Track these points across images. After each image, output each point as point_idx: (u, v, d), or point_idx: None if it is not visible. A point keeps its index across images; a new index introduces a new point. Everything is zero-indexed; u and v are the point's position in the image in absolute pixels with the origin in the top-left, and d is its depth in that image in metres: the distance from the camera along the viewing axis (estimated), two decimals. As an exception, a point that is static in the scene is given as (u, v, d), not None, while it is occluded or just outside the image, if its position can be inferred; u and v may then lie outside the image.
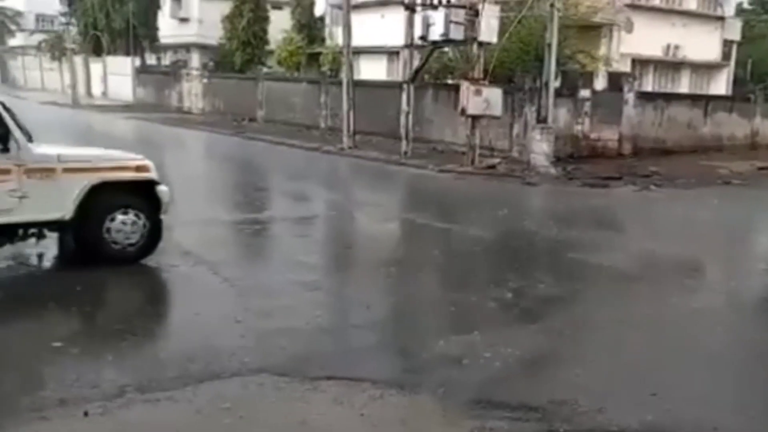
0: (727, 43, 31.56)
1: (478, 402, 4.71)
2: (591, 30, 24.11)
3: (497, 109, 17.64)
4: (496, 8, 17.56)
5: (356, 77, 22.86)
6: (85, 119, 30.98)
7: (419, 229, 10.95)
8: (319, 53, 31.56)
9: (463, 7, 17.64)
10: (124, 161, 7.88)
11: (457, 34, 17.33)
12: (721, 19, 31.25)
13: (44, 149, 7.42)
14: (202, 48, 40.91)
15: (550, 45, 17.54)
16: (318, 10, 34.99)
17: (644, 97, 22.19)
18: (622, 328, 6.40)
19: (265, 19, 34.17)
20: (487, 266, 9.01)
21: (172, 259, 7.91)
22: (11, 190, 6.90)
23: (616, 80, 21.56)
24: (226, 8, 34.95)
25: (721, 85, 31.39)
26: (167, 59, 44.06)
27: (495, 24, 17.30)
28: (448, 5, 17.81)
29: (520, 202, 14.56)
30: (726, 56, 31.75)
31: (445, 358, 5.46)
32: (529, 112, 18.82)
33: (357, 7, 31.20)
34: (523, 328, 6.29)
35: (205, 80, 32.52)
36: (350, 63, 21.73)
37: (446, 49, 19.72)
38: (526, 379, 5.24)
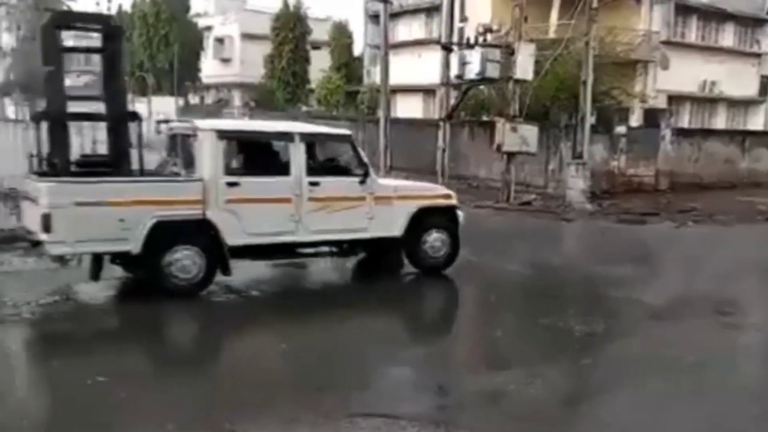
0: (764, 79, 31.38)
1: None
2: (627, 67, 24.29)
3: (533, 146, 17.83)
4: (532, 46, 17.87)
5: (393, 115, 23.28)
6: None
7: (455, 264, 11.08)
8: (357, 92, 32.19)
9: (499, 46, 18.00)
10: (437, 190, 10.13)
11: (493, 72, 17.65)
12: (758, 55, 31.15)
13: (383, 181, 9.58)
14: (243, 87, 42.01)
15: (585, 82, 17.75)
16: (356, 50, 35.82)
17: (681, 133, 22.21)
18: (660, 366, 6.34)
19: (306, 59, 35.02)
20: (524, 302, 9.07)
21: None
22: (365, 213, 8.82)
23: (652, 116, 21.65)
24: (267, 48, 35.96)
25: (758, 120, 31.16)
26: (210, 98, 45.28)
27: (530, 62, 17.60)
28: (484, 44, 18.17)
29: (556, 237, 14.62)
30: (763, 92, 31.56)
31: (482, 395, 5.51)
32: (565, 148, 18.98)
33: (395, 47, 31.81)
34: (559, 365, 6.30)
35: (246, 119, 33.29)
36: (387, 101, 22.14)
37: (482, 87, 20.01)
38: (562, 417, 5.25)
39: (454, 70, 18.84)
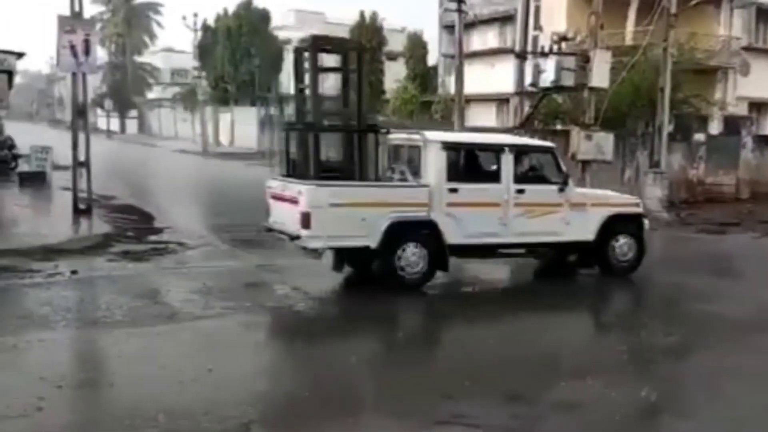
0: None
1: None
2: (706, 73, 23.76)
3: (608, 154, 17.67)
4: (608, 54, 17.73)
5: (466, 123, 23.45)
6: (211, 165, 33.28)
7: (529, 271, 11.05)
8: (431, 102, 32.47)
9: (574, 54, 17.95)
10: (627, 199, 10.84)
11: (568, 80, 17.60)
12: None
13: (578, 189, 10.29)
14: (321, 98, 42.90)
15: (663, 89, 17.54)
16: (431, 60, 36.11)
17: (763, 140, 21.55)
18: (741, 380, 6.26)
19: (381, 70, 35.51)
20: (603, 312, 9.14)
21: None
22: (562, 218, 9.68)
23: (732, 124, 21.09)
24: (344, 60, 36.57)
25: None
26: (290, 108, 46.44)
27: (606, 69, 17.49)
28: (559, 53, 18.16)
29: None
30: None
31: (559, 405, 5.56)
32: (641, 156, 18.76)
33: (469, 56, 31.89)
34: (639, 377, 6.28)
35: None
36: (461, 110, 22.42)
37: (556, 95, 19.96)
38: (640, 430, 5.28)
39: (528, 79, 18.89)
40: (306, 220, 8.47)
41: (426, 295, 9.05)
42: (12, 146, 21.94)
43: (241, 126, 42.97)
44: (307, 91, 9.29)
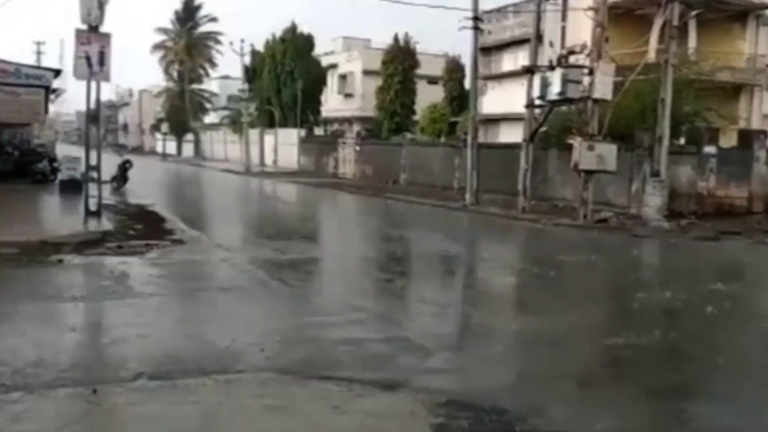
0: None
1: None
2: (729, 90, 23.51)
3: (611, 165, 17.82)
4: (611, 67, 17.98)
5: (497, 141, 23.80)
6: (248, 182, 34.57)
7: (505, 271, 11.49)
8: (457, 122, 33.02)
9: (580, 66, 18.23)
10: None
11: (574, 92, 17.91)
12: None
13: None
14: (362, 120, 43.96)
15: (663, 100, 17.62)
16: (467, 84, 36.71)
17: (777, 153, 21.12)
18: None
19: (413, 91, 36.27)
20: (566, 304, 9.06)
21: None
22: None
23: (746, 138, 20.79)
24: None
25: None
26: (330, 129, 47.73)
27: (609, 82, 17.72)
28: (566, 66, 18.46)
29: (618, 252, 14.50)
30: None
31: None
32: (648, 168, 18.76)
33: (501, 77, 32.59)
34: (618, 391, 6.00)
35: (357, 147, 34.97)
36: (475, 127, 23.01)
37: (566, 108, 20.18)
38: None
39: (536, 92, 19.25)
40: None
41: None
42: (53, 159, 23.53)
43: (284, 147, 44.36)
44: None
